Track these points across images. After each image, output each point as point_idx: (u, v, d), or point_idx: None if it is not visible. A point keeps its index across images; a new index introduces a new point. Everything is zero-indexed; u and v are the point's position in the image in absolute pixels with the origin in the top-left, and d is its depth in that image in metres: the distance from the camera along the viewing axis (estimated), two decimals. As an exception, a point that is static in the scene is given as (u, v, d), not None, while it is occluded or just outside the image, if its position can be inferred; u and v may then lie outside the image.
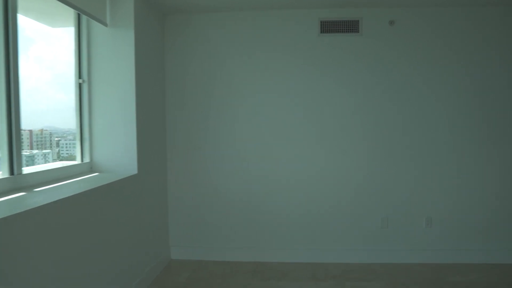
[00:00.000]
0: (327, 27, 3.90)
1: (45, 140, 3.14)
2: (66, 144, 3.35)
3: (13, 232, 1.76)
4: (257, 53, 3.97)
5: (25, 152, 2.90)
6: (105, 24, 3.18)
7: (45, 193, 2.31)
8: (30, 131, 2.97)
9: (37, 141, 3.06)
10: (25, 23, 2.63)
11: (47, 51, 3.23)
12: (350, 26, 3.88)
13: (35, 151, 3.04)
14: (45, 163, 3.09)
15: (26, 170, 2.48)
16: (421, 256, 3.95)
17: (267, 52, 3.96)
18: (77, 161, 3.23)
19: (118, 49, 3.22)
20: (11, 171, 2.32)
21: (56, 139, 3.26)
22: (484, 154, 3.91)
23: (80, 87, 3.23)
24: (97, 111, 3.26)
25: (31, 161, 2.98)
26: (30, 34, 3.02)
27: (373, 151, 3.95)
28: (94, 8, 3.00)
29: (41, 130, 3.11)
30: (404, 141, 3.93)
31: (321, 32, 3.91)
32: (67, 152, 3.35)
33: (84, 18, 3.18)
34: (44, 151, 3.11)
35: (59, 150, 3.32)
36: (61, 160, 3.29)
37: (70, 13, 3.12)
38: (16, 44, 2.27)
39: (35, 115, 2.94)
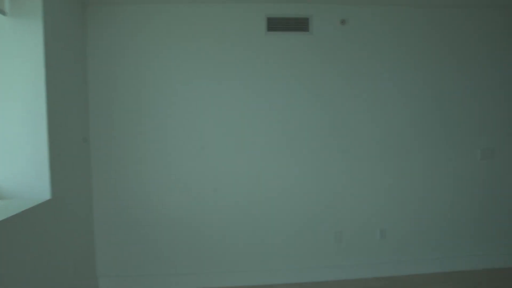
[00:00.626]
0: (275, 24, 3.54)
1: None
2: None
3: None
4: (194, 52, 3.49)
5: None
6: (3, 13, 2.51)
7: None
8: None
9: None
10: None
11: None
12: (299, 24, 3.56)
13: None
14: None
15: None
16: (377, 270, 3.74)
17: (206, 51, 3.49)
18: (-30, 185, 2.55)
19: (22, 44, 2.56)
20: None
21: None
22: (437, 161, 3.80)
23: (-29, 91, 2.54)
24: (-5, 121, 2.59)
25: None
26: None
27: (322, 161, 3.65)
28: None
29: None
30: (356, 151, 3.69)
31: (268, 30, 3.53)
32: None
33: (-26, 3, 2.49)
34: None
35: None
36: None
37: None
38: None
39: None
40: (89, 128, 3.42)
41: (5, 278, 2.08)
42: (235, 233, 3.61)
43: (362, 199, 3.71)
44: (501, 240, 3.96)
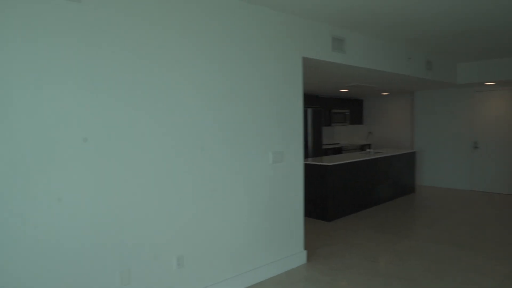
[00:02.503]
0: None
1: None
2: None
3: None
4: None
5: None
6: None
7: None
8: None
9: None
10: None
11: None
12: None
13: None
14: None
15: None
16: (175, 307, 3.04)
17: None
18: None
19: None
20: None
21: None
22: (232, 170, 3.41)
23: None
24: None
25: None
26: None
27: (96, 176, 2.67)
28: None
29: None
30: (141, 163, 2.87)
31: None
32: None
33: None
34: None
35: None
36: None
37: None
38: None
39: None
40: None
41: None
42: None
43: (150, 223, 2.92)
44: (293, 242, 3.96)
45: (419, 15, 3.95)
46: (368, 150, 7.87)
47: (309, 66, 4.67)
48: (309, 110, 8.47)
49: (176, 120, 3.00)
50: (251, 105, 3.52)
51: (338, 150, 9.45)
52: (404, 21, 4.19)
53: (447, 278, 3.66)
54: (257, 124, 3.58)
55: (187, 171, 3.08)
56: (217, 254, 3.31)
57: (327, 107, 9.45)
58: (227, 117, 3.34)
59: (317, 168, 5.92)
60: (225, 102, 3.31)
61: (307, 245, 4.62)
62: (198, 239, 3.18)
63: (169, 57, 2.94)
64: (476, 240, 4.81)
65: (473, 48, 5.84)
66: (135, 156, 2.78)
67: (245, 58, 3.46)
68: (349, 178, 6.20)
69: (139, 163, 2.81)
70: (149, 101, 2.84)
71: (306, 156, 8.42)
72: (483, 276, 3.70)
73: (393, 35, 4.90)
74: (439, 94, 8.66)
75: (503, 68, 6.82)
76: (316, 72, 5.31)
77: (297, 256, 4.01)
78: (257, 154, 3.60)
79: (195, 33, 3.09)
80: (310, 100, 8.83)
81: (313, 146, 8.62)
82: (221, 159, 3.31)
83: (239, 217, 3.46)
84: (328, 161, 6.06)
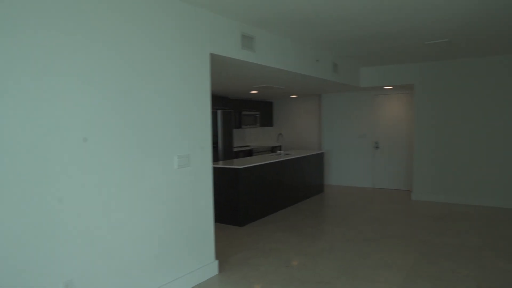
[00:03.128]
0: None
1: None
2: None
3: None
4: None
5: None
6: None
7: None
8: None
9: None
10: None
11: None
12: None
13: None
14: None
15: None
16: None
17: None
18: None
19: None
20: None
21: None
22: (130, 179, 2.98)
23: None
24: None
25: None
26: None
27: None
28: None
29: None
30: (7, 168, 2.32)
31: None
32: None
33: None
34: None
35: None
36: None
37: None
38: None
39: None
40: None
41: None
42: None
43: (27, 244, 2.37)
44: (203, 252, 3.63)
45: (326, 16, 3.93)
46: (278, 152, 7.87)
47: (218, 64, 4.40)
48: (219, 112, 8.23)
49: (65, 125, 2.49)
50: (153, 106, 3.12)
51: (249, 153, 9.36)
52: (312, 22, 4.15)
53: (359, 276, 3.66)
54: (159, 127, 3.19)
55: (75, 182, 2.58)
56: (113, 276, 2.84)
57: (237, 109, 9.31)
58: (125, 120, 2.90)
59: (227, 171, 5.67)
60: (121, 102, 2.87)
61: (219, 254, 4.33)
62: (89, 260, 2.68)
63: (47, 52, 2.42)
64: (381, 235, 4.98)
65: (373, 54, 6.12)
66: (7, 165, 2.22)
67: (145, 52, 3.05)
68: (260, 181, 6.07)
69: (8, 175, 2.25)
70: (22, 106, 2.30)
71: (217, 159, 8.15)
72: (391, 270, 3.77)
73: (302, 36, 4.87)
74: (344, 97, 9.05)
75: (399, 74, 7.34)
76: (225, 71, 5.07)
77: (208, 267, 3.69)
78: (160, 159, 3.21)
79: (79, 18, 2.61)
80: (220, 101, 8.60)
81: (224, 149, 8.39)
82: (117, 166, 2.85)
83: (139, 230, 3.04)
84: (239, 164, 5.86)
